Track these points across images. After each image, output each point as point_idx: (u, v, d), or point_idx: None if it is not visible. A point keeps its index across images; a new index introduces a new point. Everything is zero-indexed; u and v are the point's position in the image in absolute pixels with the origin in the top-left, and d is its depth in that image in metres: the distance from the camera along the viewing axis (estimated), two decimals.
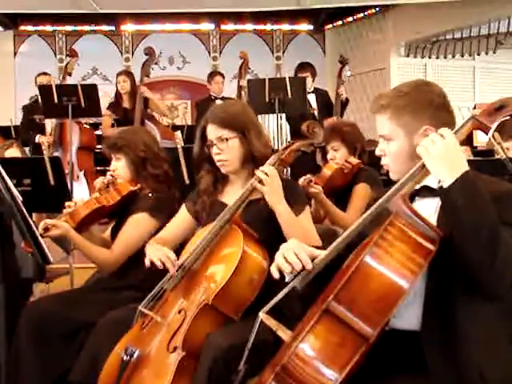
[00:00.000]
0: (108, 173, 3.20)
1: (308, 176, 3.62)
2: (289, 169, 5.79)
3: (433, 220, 1.88)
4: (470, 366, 1.78)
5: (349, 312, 1.73)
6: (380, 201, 1.92)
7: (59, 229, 2.90)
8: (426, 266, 1.74)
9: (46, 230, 2.87)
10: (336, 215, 3.69)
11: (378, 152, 2.08)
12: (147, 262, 2.57)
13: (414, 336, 1.86)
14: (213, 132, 2.69)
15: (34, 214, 4.84)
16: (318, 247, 2.06)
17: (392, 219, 1.80)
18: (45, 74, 7.41)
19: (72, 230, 2.95)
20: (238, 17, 10.57)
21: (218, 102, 6.72)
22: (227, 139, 2.66)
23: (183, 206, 2.89)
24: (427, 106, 1.98)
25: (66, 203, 3.07)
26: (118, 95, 7.04)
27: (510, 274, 1.74)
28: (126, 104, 6.93)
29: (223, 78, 7.69)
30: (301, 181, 3.64)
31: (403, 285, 1.72)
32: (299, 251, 1.97)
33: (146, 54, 7.01)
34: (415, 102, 1.98)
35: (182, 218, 2.88)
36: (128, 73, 7.32)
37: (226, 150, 2.67)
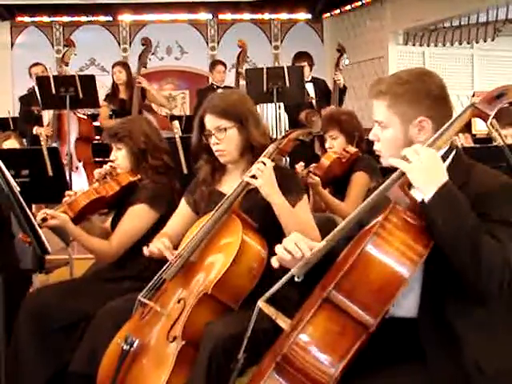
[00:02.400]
0: (109, 163, 3.18)
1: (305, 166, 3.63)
2: (287, 158, 5.79)
3: None
4: (466, 356, 1.79)
5: (349, 301, 1.73)
6: (379, 190, 1.91)
7: (57, 219, 2.89)
8: (426, 254, 1.75)
9: (44, 220, 2.86)
10: (334, 206, 3.69)
11: (371, 137, 2.07)
12: (146, 253, 2.59)
13: (413, 324, 1.86)
14: (211, 122, 2.68)
15: (33, 206, 4.84)
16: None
17: (392, 208, 1.80)
18: (38, 64, 7.33)
19: (69, 221, 2.92)
20: (236, 6, 10.54)
21: (220, 91, 6.70)
22: (226, 129, 2.65)
23: (183, 201, 2.88)
24: (425, 96, 1.96)
25: (66, 192, 3.06)
26: (114, 86, 7.02)
27: (497, 277, 1.73)
28: (122, 95, 6.90)
29: (225, 67, 7.68)
30: (299, 170, 3.64)
31: (404, 273, 1.72)
32: (299, 242, 1.97)
33: (143, 45, 7.03)
34: (414, 92, 1.96)
35: (183, 212, 2.87)
36: (123, 63, 7.29)
37: (225, 140, 2.66)
